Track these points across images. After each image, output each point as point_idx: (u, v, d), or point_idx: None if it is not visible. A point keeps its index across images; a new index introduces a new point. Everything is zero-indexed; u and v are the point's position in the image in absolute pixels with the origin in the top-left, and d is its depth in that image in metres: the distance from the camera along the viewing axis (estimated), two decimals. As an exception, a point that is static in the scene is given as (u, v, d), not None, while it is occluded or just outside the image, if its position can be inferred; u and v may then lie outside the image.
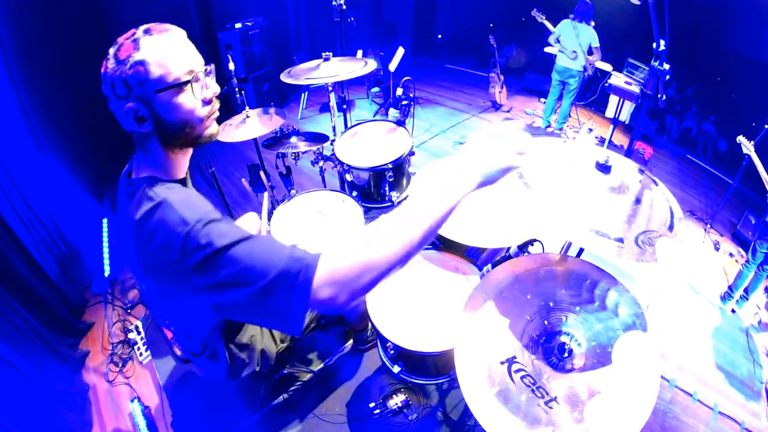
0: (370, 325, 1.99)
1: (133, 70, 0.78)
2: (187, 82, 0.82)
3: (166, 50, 0.80)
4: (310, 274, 0.68)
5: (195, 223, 0.73)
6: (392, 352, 1.47)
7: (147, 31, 0.81)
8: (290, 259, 0.69)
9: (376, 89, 5.28)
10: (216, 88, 0.88)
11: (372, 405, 1.81)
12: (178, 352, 2.10)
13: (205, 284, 0.71)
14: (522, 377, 0.96)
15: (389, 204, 2.25)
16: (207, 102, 0.86)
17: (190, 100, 0.83)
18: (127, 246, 0.85)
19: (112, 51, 0.80)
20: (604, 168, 1.13)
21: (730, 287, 2.69)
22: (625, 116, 4.78)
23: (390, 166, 2.07)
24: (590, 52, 3.95)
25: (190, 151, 0.93)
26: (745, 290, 2.62)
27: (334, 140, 2.37)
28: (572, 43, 3.93)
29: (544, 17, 4.14)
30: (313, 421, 1.80)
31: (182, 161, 0.92)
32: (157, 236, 0.75)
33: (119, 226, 0.90)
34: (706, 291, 2.78)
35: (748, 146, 2.79)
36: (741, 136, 2.83)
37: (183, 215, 0.74)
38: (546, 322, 1.06)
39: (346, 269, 0.69)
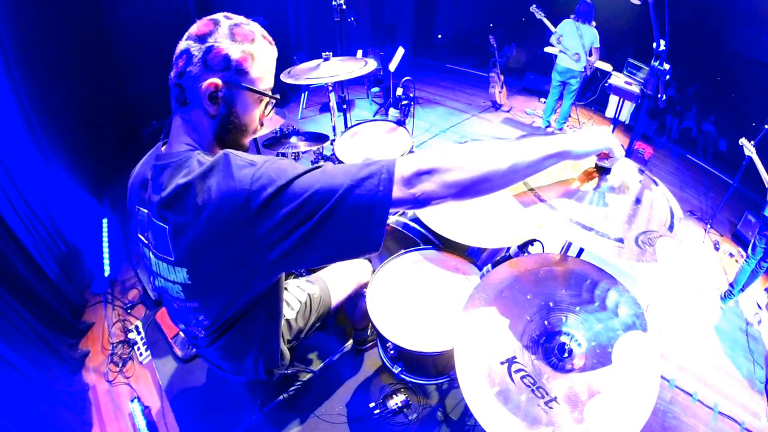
0: (370, 324, 1.99)
1: (242, 56, 0.80)
2: (270, 97, 0.87)
3: (271, 60, 0.86)
4: (391, 169, 0.68)
5: (264, 162, 0.71)
6: (392, 352, 1.47)
7: (263, 34, 0.85)
8: (363, 165, 0.69)
9: (376, 89, 5.28)
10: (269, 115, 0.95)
11: (372, 405, 1.81)
12: (179, 353, 2.11)
13: (270, 226, 0.68)
14: (522, 377, 0.96)
15: (389, 204, 2.25)
16: (261, 123, 0.91)
17: (258, 113, 0.88)
18: (167, 221, 0.79)
19: (225, 22, 0.81)
20: (604, 168, 1.13)
21: (731, 285, 2.72)
22: (625, 116, 4.78)
23: (390, 166, 2.07)
24: (590, 52, 3.96)
25: None
26: (743, 285, 2.66)
27: (334, 140, 2.37)
28: (575, 44, 3.93)
29: (543, 14, 4.14)
30: (313, 421, 1.80)
31: None
32: (221, 185, 0.70)
33: (146, 207, 0.86)
34: (706, 291, 2.79)
35: (750, 148, 2.80)
36: (743, 138, 2.84)
37: (250, 159, 0.72)
38: (546, 322, 1.06)
39: (428, 163, 0.70)
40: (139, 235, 0.94)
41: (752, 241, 2.59)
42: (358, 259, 1.65)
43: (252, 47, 0.81)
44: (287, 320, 1.34)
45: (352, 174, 0.69)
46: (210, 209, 0.71)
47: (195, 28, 0.81)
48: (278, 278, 0.98)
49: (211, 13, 0.83)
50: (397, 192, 0.69)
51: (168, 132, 0.88)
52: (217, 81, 0.78)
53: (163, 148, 0.88)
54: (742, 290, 2.67)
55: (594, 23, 3.90)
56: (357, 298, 1.62)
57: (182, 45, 0.81)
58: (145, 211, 0.87)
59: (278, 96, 0.90)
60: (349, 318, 1.82)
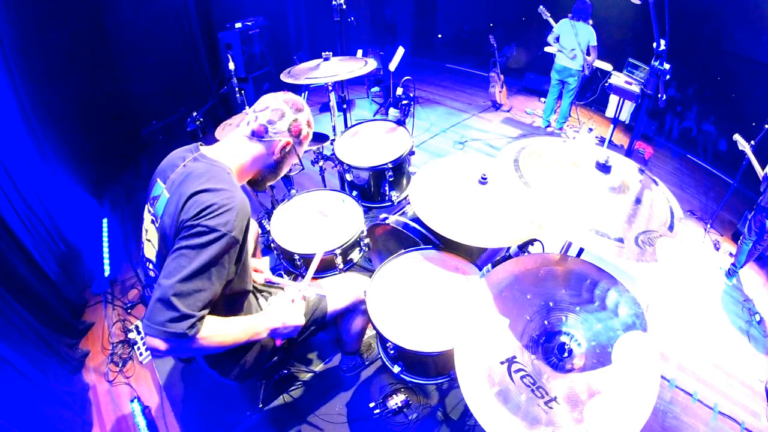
0: (363, 349, 1.95)
1: (306, 134, 1.24)
2: (301, 165, 1.36)
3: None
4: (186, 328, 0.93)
5: (227, 232, 0.95)
6: (392, 352, 1.47)
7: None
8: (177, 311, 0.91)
9: (376, 89, 5.28)
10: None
11: (372, 405, 1.81)
12: (178, 352, 2.11)
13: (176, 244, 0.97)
14: (522, 377, 0.96)
15: (389, 204, 2.25)
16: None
17: (285, 171, 1.28)
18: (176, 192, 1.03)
19: (307, 109, 1.24)
20: (604, 168, 1.13)
21: (733, 264, 2.83)
22: (625, 116, 4.77)
23: (390, 165, 2.07)
24: (588, 52, 3.95)
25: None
26: (743, 262, 2.78)
27: (334, 140, 2.37)
28: (571, 42, 3.93)
29: (549, 15, 4.13)
30: (313, 420, 1.80)
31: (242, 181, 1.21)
32: (205, 204, 0.95)
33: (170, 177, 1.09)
34: (705, 290, 2.79)
35: (743, 143, 2.81)
36: (737, 134, 2.85)
37: (231, 220, 0.97)
38: (546, 322, 1.06)
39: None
40: (147, 207, 1.15)
41: (748, 222, 2.70)
42: (358, 274, 1.65)
43: (310, 131, 1.25)
44: None
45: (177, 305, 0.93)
46: (187, 203, 0.98)
47: (292, 100, 1.20)
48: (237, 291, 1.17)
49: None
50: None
51: (216, 140, 1.25)
52: (290, 142, 1.18)
53: (202, 149, 1.15)
54: (741, 266, 2.80)
55: (591, 21, 3.90)
56: (354, 315, 1.59)
57: (281, 104, 1.17)
58: (162, 186, 1.10)
59: (303, 166, 1.43)
60: (341, 337, 1.72)
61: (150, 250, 1.14)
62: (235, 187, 1.04)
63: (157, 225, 1.07)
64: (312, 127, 1.25)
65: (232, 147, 1.16)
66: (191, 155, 1.11)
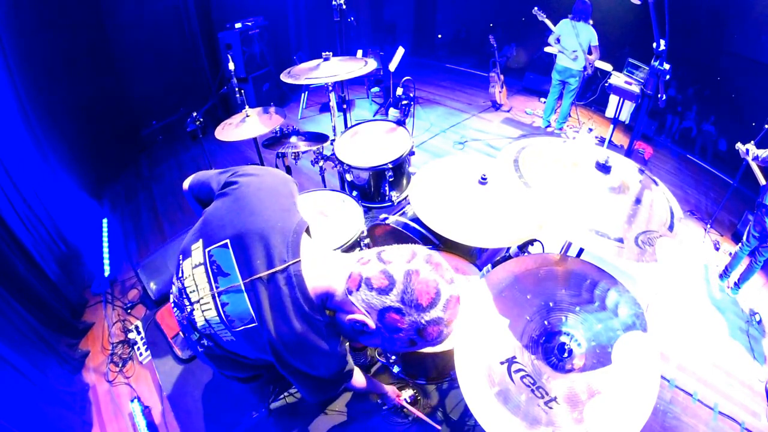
0: (369, 353, 1.91)
1: (410, 343, 0.82)
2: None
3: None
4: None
5: (339, 379, 0.95)
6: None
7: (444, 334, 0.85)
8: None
9: (376, 89, 5.28)
10: None
11: (377, 402, 1.80)
12: (179, 353, 2.11)
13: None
14: (522, 377, 0.96)
15: (389, 204, 2.25)
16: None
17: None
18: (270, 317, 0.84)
19: (437, 314, 0.79)
20: (604, 168, 1.13)
21: (726, 266, 2.82)
22: (625, 116, 4.77)
23: (390, 165, 2.07)
24: (589, 51, 3.95)
25: None
26: (739, 279, 2.73)
27: (334, 140, 2.37)
28: (572, 43, 3.93)
29: (545, 16, 4.14)
30: (314, 420, 1.80)
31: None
32: (317, 356, 0.87)
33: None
34: (705, 290, 2.79)
35: (743, 150, 2.79)
36: (739, 143, 2.83)
37: (334, 372, 0.91)
38: (546, 322, 1.06)
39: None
40: (208, 274, 0.90)
41: (747, 228, 2.65)
42: None
43: (422, 341, 0.82)
44: None
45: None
46: (306, 350, 0.87)
47: (425, 286, 0.79)
48: None
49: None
50: None
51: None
52: (371, 328, 0.82)
53: (302, 263, 0.87)
54: (739, 284, 2.72)
55: (591, 21, 3.90)
56: None
57: (402, 275, 0.80)
58: (236, 268, 0.87)
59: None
60: None
61: (199, 315, 0.93)
62: (339, 345, 0.90)
63: (223, 317, 0.88)
64: (435, 338, 0.83)
65: (330, 273, 0.88)
66: (283, 265, 0.84)
